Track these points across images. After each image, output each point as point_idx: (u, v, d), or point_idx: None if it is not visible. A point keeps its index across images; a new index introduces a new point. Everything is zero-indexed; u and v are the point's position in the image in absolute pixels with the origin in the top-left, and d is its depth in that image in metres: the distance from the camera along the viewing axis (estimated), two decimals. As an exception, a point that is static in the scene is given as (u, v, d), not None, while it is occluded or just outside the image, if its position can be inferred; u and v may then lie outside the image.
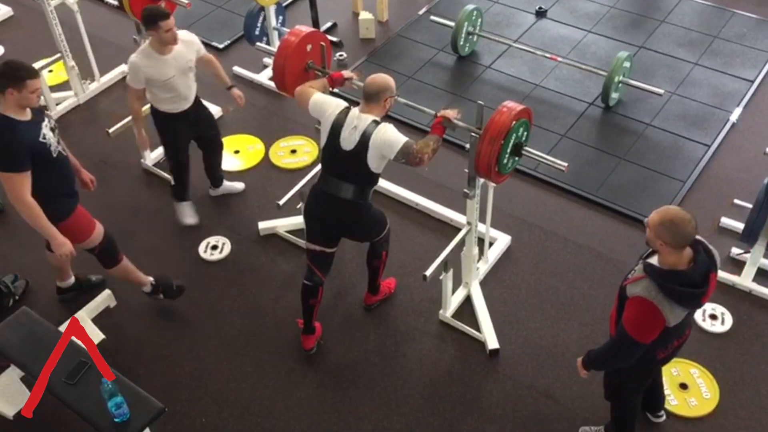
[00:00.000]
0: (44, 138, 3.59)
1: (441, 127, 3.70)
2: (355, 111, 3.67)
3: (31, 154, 3.51)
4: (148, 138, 4.75)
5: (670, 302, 2.80)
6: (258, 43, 5.53)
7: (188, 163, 4.75)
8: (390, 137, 3.57)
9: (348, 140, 3.63)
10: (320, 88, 3.92)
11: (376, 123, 3.61)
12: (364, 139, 3.58)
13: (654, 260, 2.92)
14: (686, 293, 2.79)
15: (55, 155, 3.65)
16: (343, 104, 3.72)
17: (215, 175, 5.02)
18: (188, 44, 4.40)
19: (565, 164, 3.65)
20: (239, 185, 5.17)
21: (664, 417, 3.81)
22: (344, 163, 3.68)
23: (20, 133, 3.49)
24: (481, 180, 3.87)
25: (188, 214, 4.91)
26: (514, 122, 3.50)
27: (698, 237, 2.85)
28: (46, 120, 3.68)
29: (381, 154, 3.60)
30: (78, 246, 3.89)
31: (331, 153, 3.70)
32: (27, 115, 3.57)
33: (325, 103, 3.74)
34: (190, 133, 4.64)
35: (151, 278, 4.35)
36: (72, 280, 4.45)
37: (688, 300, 2.83)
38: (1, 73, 3.44)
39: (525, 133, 3.67)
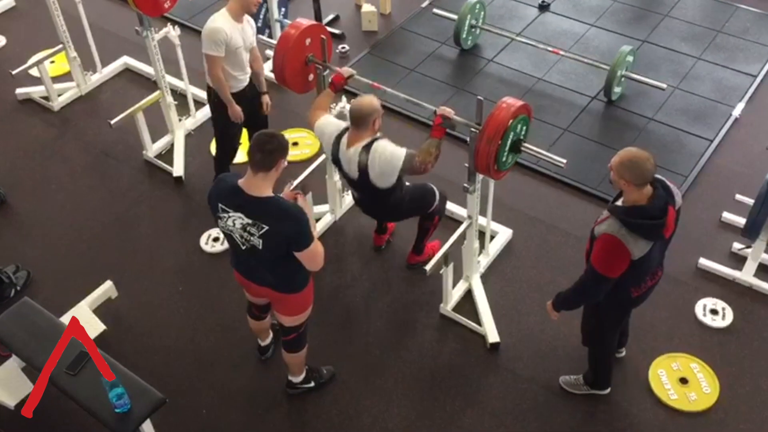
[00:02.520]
0: None
1: (441, 129, 3.69)
2: (343, 144, 3.74)
3: None
4: (147, 130, 4.72)
5: (633, 235, 2.99)
6: (259, 36, 5.50)
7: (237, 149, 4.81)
8: (388, 156, 3.65)
9: (350, 172, 3.79)
10: (326, 102, 4.01)
11: (367, 149, 3.66)
12: (362, 170, 3.70)
13: (619, 203, 3.13)
14: (646, 225, 2.99)
15: None
16: (340, 129, 3.80)
17: None
18: (252, 26, 4.45)
19: (564, 161, 3.64)
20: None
21: (624, 353, 4.02)
22: (360, 187, 3.86)
23: None
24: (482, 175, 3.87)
25: None
26: (511, 121, 3.47)
27: (657, 176, 3.04)
28: None
29: (384, 173, 3.67)
30: (283, 319, 3.60)
31: (345, 176, 3.91)
32: None
33: (324, 127, 3.87)
34: (246, 115, 4.56)
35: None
36: (270, 337, 4.12)
37: (649, 231, 3.01)
38: (282, 146, 3.12)
39: (524, 129, 3.65)
